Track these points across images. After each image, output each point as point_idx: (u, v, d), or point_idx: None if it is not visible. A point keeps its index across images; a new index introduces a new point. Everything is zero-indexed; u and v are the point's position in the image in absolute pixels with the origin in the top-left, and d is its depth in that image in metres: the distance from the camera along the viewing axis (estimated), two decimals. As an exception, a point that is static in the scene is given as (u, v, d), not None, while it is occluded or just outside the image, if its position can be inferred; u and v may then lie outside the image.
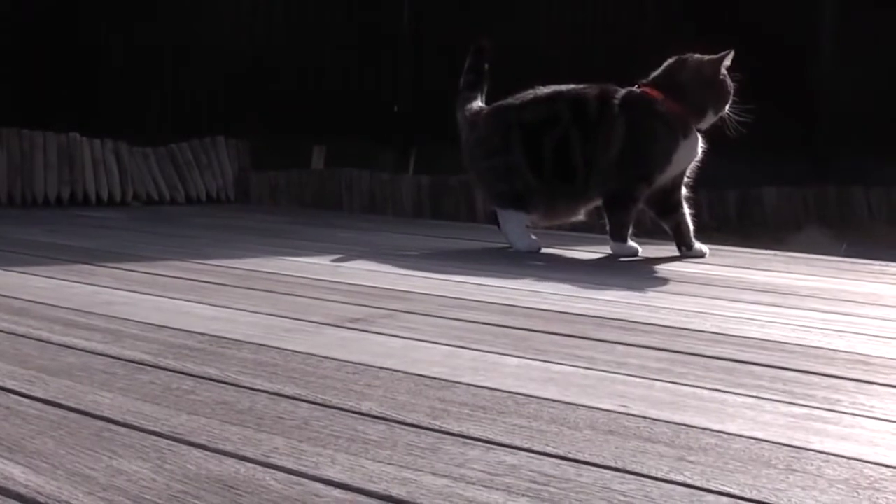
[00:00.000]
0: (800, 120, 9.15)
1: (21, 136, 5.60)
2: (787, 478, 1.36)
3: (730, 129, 3.64)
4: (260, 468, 1.35)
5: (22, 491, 1.25)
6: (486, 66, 4.01)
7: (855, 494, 1.31)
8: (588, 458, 1.41)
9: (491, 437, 1.50)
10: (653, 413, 1.64)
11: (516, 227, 3.82)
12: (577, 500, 1.27)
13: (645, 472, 1.37)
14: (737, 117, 3.63)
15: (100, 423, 1.53)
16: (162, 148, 6.05)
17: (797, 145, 8.91)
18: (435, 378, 1.83)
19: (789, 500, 1.28)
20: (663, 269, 3.49)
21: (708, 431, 1.54)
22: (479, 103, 3.95)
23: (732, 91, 3.66)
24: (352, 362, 1.94)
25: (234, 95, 6.61)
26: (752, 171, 8.36)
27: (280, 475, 1.33)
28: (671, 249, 3.79)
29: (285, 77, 6.82)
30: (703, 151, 3.71)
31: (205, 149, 6.20)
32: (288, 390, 1.73)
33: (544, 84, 3.89)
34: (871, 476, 1.38)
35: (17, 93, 5.86)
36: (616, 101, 3.68)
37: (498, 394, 1.74)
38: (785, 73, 8.93)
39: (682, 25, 8.26)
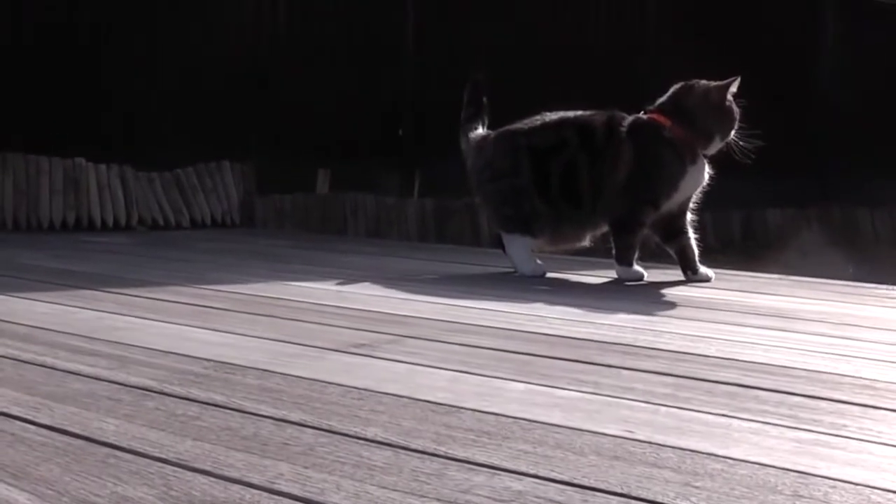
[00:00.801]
0: (803, 140, 9.17)
1: (27, 161, 5.62)
2: (794, 504, 1.36)
3: (736, 155, 3.65)
4: (265, 494, 1.35)
5: (27, 518, 1.25)
6: (485, 98, 4.02)
7: (861, 520, 1.31)
8: (594, 484, 1.41)
9: (496, 462, 1.50)
10: (658, 438, 1.63)
11: (521, 251, 3.82)
12: (582, 526, 1.27)
13: (651, 498, 1.36)
14: (742, 143, 3.64)
15: (105, 450, 1.52)
16: (167, 172, 6.06)
17: (801, 165, 8.92)
18: (440, 403, 1.83)
19: (795, 527, 1.28)
20: (668, 293, 3.49)
21: (713, 457, 1.54)
22: (482, 131, 3.97)
23: (738, 117, 3.67)
24: (356, 388, 1.94)
25: (239, 118, 6.63)
26: (756, 191, 8.36)
27: (285, 501, 1.33)
28: (676, 274, 3.79)
29: (289, 100, 6.84)
30: (710, 177, 3.71)
31: (210, 173, 6.21)
32: (293, 416, 1.73)
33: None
34: (879, 503, 1.37)
35: (18, 107, 5.88)
36: (623, 128, 3.68)
37: (503, 419, 1.74)
38: (788, 91, 8.95)
39: (686, 49, 8.28)
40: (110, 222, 5.78)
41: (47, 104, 6.00)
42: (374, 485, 1.39)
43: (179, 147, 6.38)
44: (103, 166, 5.82)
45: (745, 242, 8.39)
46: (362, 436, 1.62)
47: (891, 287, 3.78)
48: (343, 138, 7.00)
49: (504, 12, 7.78)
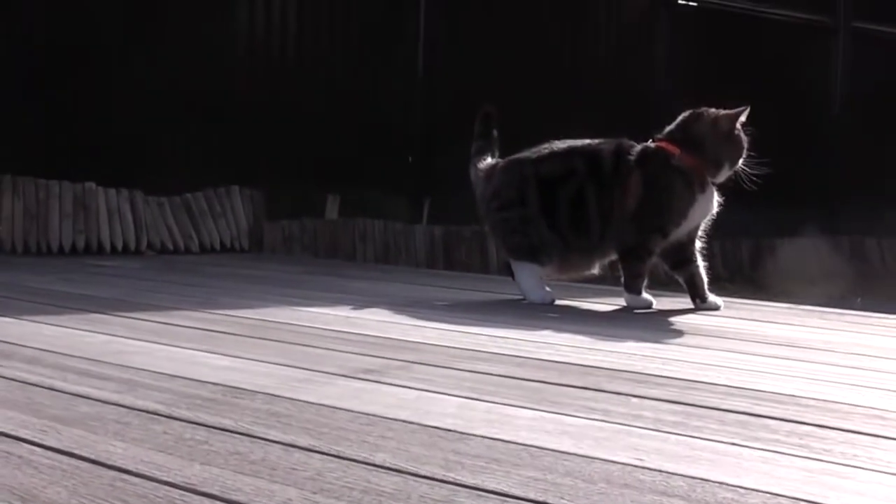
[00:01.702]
0: (813, 169, 9.17)
1: (37, 185, 5.63)
2: (805, 533, 1.35)
3: (745, 183, 3.64)
4: (273, 520, 1.34)
5: (34, 541, 1.25)
6: (495, 131, 4.03)
7: (873, 551, 1.29)
8: (603, 512, 1.40)
9: (505, 489, 1.49)
10: (668, 467, 1.62)
11: (530, 278, 3.82)
12: (592, 554, 1.26)
13: (661, 526, 1.36)
14: (750, 171, 3.64)
15: (112, 473, 1.52)
16: (176, 197, 6.07)
17: (810, 195, 8.92)
18: (449, 430, 1.83)
19: (807, 557, 1.27)
20: (677, 321, 3.48)
21: (724, 486, 1.53)
22: (491, 160, 3.97)
23: (746, 145, 3.67)
24: (365, 413, 1.94)
25: (249, 143, 6.65)
26: (765, 220, 8.36)
27: (293, 527, 1.32)
28: (685, 301, 3.78)
29: (299, 126, 6.85)
30: (719, 205, 3.71)
31: (219, 198, 6.22)
32: (301, 441, 1.72)
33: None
34: (890, 532, 1.36)
35: (28, 131, 5.90)
36: (632, 157, 3.68)
37: (512, 446, 1.73)
38: (798, 121, 8.96)
39: (697, 77, 8.29)
40: (119, 246, 5.78)
41: (57, 128, 6.02)
42: (382, 511, 1.38)
43: (189, 172, 6.40)
44: (113, 190, 5.83)
45: (753, 271, 8.37)
46: (371, 461, 1.61)
47: (900, 317, 3.76)
48: (353, 164, 7.02)
49: (514, 41, 7.80)
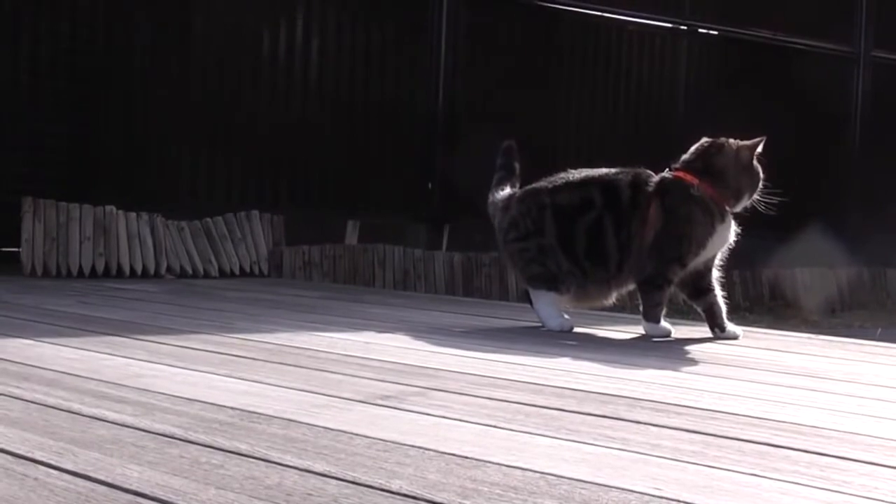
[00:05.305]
0: (834, 200, 9.15)
1: (58, 208, 5.66)
2: (825, 566, 1.33)
3: (760, 208, 3.64)
4: (288, 546, 1.34)
5: (48, 564, 1.24)
6: (516, 164, 4.03)
7: (894, 585, 1.28)
8: (621, 542, 1.39)
9: (522, 518, 1.48)
10: (686, 497, 1.61)
11: (548, 306, 3.81)
12: (609, 584, 1.25)
13: (679, 557, 1.34)
14: (765, 199, 3.64)
15: (128, 497, 1.52)
16: (196, 222, 6.09)
17: (830, 225, 8.89)
18: (465, 457, 1.82)
19: (827, 590, 1.25)
20: (696, 350, 3.46)
21: (743, 517, 1.52)
22: (510, 190, 3.97)
23: (762, 175, 3.67)
24: (382, 440, 1.93)
25: (270, 170, 6.67)
26: (785, 250, 8.34)
27: (308, 553, 1.31)
28: (704, 330, 3.77)
29: (321, 153, 6.87)
30: (737, 235, 3.70)
31: (239, 223, 6.23)
32: (317, 467, 1.72)
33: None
34: (911, 566, 1.35)
35: (50, 154, 5.93)
36: (650, 187, 3.67)
37: (529, 474, 1.72)
38: (819, 151, 8.95)
39: (718, 105, 8.29)
40: (139, 270, 5.80)
41: (79, 152, 6.05)
42: (398, 538, 1.38)
43: (210, 196, 6.42)
44: (133, 214, 5.85)
45: (773, 301, 8.35)
46: (387, 488, 1.61)
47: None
48: (373, 191, 7.03)
49: (534, 72, 7.82)
